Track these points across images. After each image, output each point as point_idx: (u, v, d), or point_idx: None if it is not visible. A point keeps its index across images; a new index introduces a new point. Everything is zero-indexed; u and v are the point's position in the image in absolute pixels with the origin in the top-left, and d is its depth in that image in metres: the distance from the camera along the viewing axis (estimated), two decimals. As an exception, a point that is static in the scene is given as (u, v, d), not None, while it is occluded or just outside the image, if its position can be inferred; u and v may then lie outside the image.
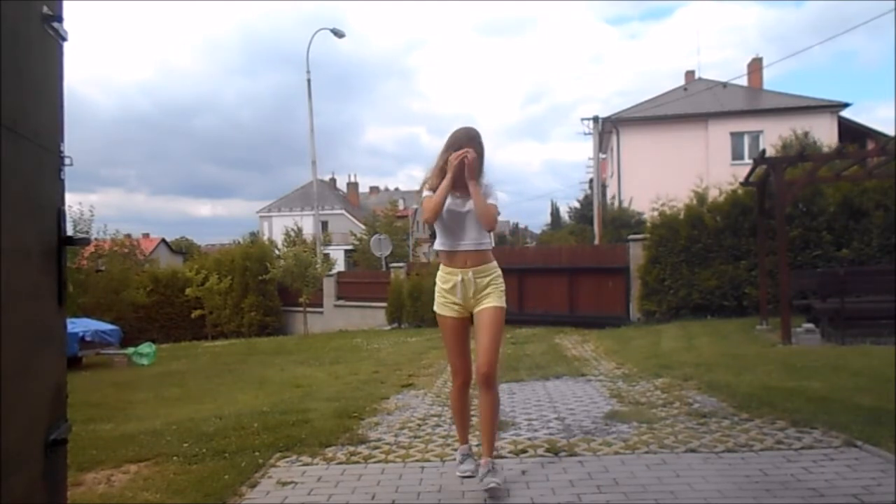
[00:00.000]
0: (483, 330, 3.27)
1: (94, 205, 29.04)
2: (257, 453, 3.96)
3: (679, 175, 17.73)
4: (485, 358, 3.23)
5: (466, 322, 3.37)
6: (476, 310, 3.30)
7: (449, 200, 3.26)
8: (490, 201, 3.27)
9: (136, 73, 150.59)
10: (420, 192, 3.45)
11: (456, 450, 3.96)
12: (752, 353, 7.94)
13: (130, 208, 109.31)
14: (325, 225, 40.82)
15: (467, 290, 3.27)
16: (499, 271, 3.37)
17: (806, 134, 20.22)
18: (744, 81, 27.67)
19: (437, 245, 3.38)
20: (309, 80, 23.85)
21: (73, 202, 19.91)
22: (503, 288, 3.35)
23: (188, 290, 18.48)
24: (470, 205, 3.25)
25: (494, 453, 3.40)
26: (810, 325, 9.25)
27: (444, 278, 3.35)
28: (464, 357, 3.39)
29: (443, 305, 3.36)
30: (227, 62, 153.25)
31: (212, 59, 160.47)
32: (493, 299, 3.29)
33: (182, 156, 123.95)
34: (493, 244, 3.47)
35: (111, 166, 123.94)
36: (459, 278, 3.28)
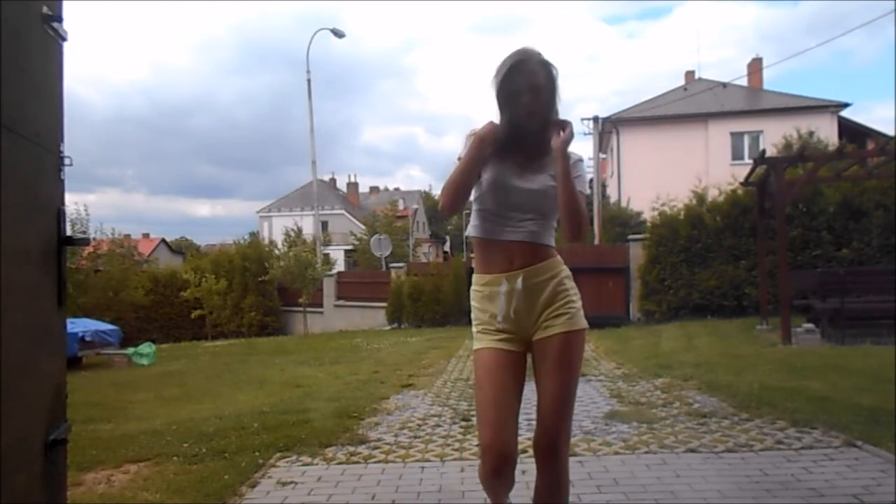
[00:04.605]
0: (549, 371, 2.06)
1: (90, 204, 29.05)
2: (257, 453, 3.96)
3: (679, 175, 17.70)
4: (552, 418, 2.05)
5: (517, 359, 2.11)
6: (536, 337, 2.09)
7: (490, 174, 2.10)
8: (579, 189, 2.09)
9: (132, 73, 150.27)
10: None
11: (456, 450, 3.95)
12: (752, 353, 7.94)
13: (129, 208, 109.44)
14: (325, 225, 40.80)
15: (524, 303, 2.08)
16: (567, 271, 2.18)
17: (811, 133, 20.20)
18: (744, 81, 27.68)
19: (473, 230, 2.17)
20: (309, 80, 23.89)
21: (71, 202, 19.97)
22: (578, 297, 2.15)
23: (187, 291, 18.49)
24: (543, 181, 2.09)
25: None
26: (810, 325, 9.26)
27: (480, 293, 2.14)
28: (500, 420, 2.03)
29: (479, 334, 2.14)
30: (223, 61, 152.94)
31: (208, 59, 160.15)
32: (565, 320, 2.08)
33: (180, 156, 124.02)
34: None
35: (108, 166, 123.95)
36: (503, 289, 2.07)
